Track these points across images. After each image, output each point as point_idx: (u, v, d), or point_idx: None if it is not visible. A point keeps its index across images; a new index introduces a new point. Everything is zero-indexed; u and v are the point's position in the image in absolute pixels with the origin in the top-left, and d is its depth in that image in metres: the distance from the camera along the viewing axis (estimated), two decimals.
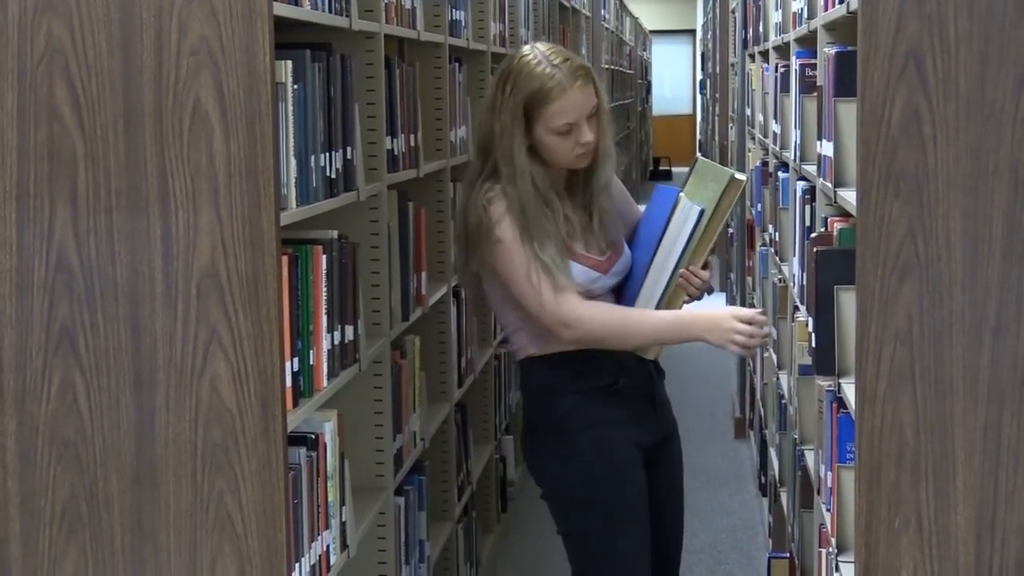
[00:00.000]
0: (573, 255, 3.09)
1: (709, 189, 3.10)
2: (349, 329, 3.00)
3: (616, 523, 3.08)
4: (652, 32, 21.94)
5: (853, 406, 2.55)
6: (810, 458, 3.73)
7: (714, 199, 3.07)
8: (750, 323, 3.03)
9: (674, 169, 20.82)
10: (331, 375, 2.87)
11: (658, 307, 3.10)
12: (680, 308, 3.13)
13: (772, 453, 5.06)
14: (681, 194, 3.09)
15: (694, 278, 3.10)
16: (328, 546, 2.83)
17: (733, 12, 8.22)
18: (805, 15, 3.97)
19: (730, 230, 8.27)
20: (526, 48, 3.12)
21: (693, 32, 22.45)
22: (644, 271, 3.12)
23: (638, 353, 3.15)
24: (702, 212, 3.05)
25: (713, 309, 3.10)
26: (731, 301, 8.59)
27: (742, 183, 3.10)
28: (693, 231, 3.07)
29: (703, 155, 7.44)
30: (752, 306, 6.58)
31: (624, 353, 3.12)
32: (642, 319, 3.07)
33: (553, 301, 3.01)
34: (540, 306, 3.02)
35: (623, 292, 3.17)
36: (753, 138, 6.60)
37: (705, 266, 3.14)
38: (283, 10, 2.56)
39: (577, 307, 3.02)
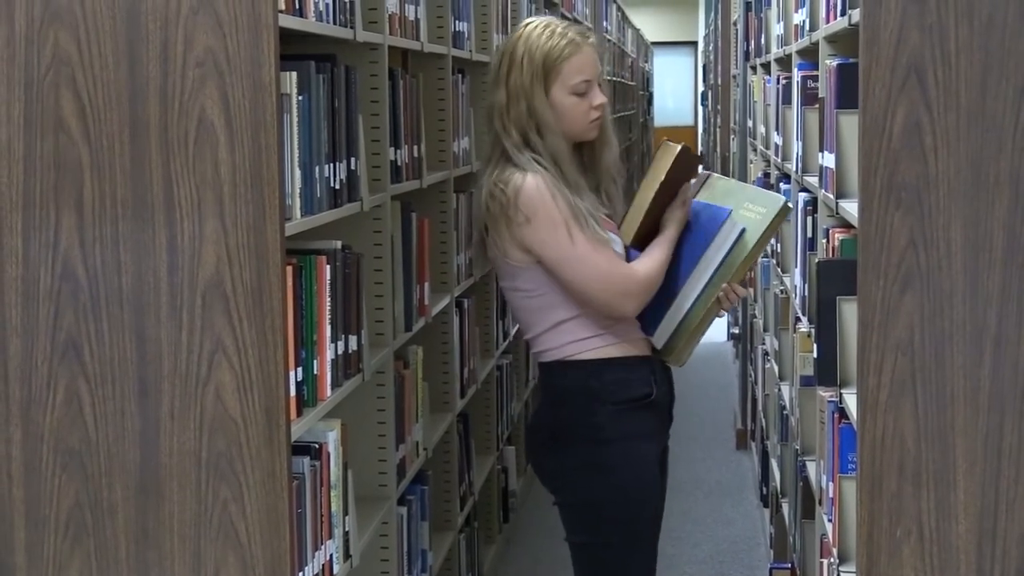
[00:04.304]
0: (603, 222, 3.05)
1: (752, 211, 3.09)
2: (353, 339, 3.01)
3: (634, 539, 3.05)
4: (654, 43, 21.93)
5: (854, 416, 2.56)
6: (811, 468, 3.73)
7: (763, 224, 3.07)
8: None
9: None
10: (335, 385, 2.88)
11: (689, 315, 3.09)
12: (713, 320, 3.13)
13: (773, 464, 5.07)
14: (732, 214, 3.08)
15: (732, 293, 3.08)
16: (331, 555, 2.84)
17: (735, 24, 8.23)
18: (807, 27, 3.98)
19: None
20: (527, 22, 3.11)
21: (695, 44, 22.45)
22: (684, 281, 3.10)
23: (668, 362, 3.15)
24: (744, 230, 3.07)
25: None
26: (732, 312, 8.59)
27: (791, 210, 3.12)
28: (732, 247, 3.07)
29: (703, 167, 7.40)
30: (753, 316, 6.59)
31: (656, 361, 3.11)
32: (661, 259, 3.04)
33: (615, 270, 2.97)
34: (602, 280, 2.97)
35: (655, 300, 3.10)
36: (755, 149, 6.61)
37: (744, 284, 3.14)
38: (288, 22, 2.57)
39: (631, 272, 3.00)
